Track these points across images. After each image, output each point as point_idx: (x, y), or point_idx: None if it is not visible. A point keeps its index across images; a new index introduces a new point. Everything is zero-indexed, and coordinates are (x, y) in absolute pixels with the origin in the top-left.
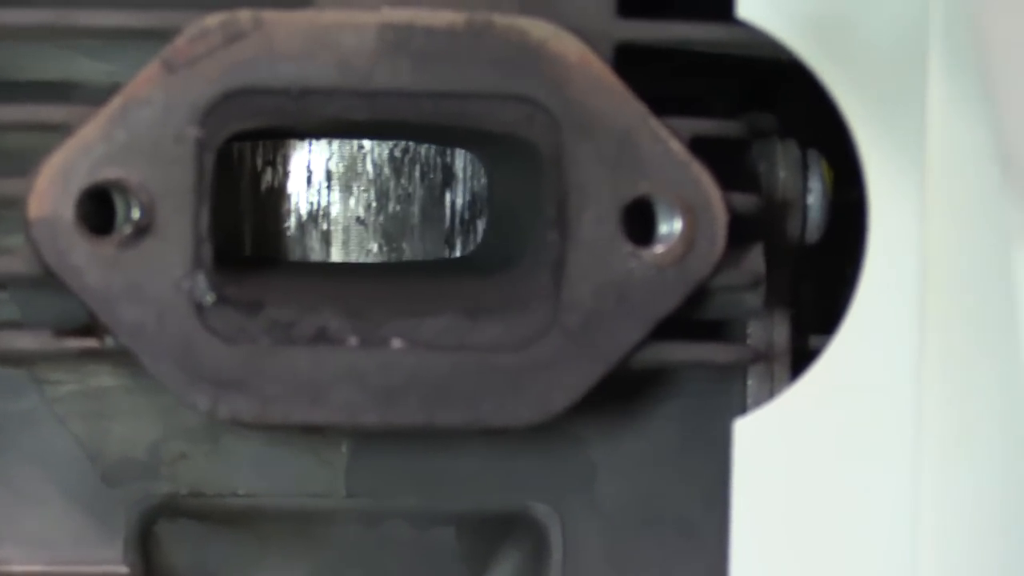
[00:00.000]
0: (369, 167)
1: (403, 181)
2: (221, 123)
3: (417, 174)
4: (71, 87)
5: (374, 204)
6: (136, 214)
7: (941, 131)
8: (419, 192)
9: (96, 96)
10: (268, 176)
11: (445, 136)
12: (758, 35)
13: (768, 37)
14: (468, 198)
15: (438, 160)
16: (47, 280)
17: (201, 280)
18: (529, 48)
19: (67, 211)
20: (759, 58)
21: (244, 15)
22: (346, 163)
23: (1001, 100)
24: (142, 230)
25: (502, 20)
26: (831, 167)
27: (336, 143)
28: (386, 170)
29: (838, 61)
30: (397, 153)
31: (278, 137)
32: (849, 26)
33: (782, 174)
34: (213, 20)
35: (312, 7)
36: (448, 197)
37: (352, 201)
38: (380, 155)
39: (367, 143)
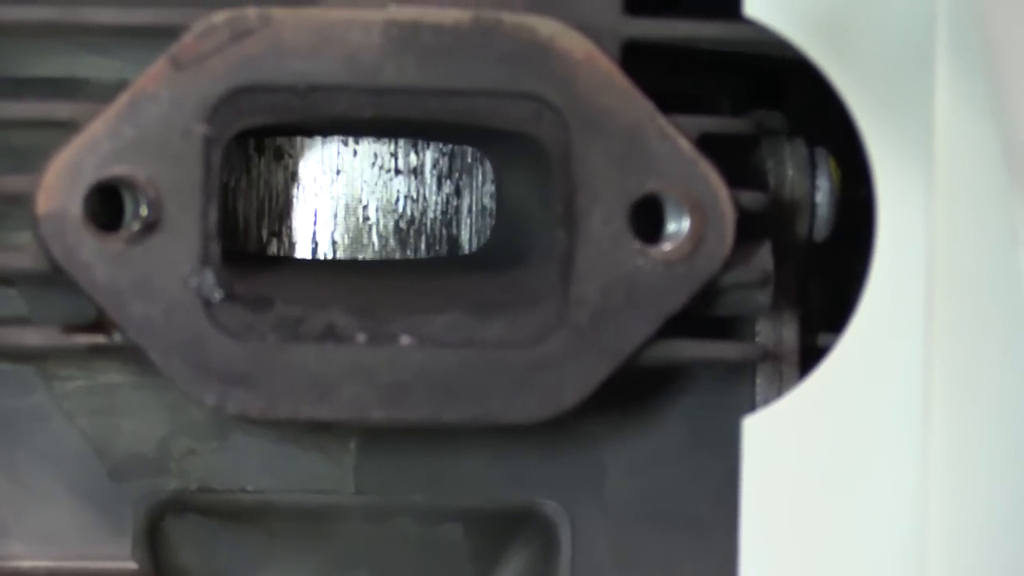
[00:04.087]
0: (375, 239)
1: (408, 253)
2: (228, 120)
3: (423, 245)
4: (78, 84)
5: None
6: (144, 210)
7: (948, 129)
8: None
9: (103, 93)
10: (273, 247)
11: (453, 134)
12: (765, 33)
13: (775, 35)
14: None
15: (443, 232)
16: (55, 276)
17: (209, 276)
18: (537, 46)
19: (75, 207)
20: (766, 56)
21: (251, 12)
22: (352, 234)
23: (1007, 99)
24: (150, 226)
25: (510, 18)
26: (839, 165)
27: (342, 209)
28: (391, 241)
29: (845, 59)
30: (403, 224)
31: (284, 134)
32: (856, 24)
33: (790, 172)
34: (220, 17)
35: (319, 4)
36: None
37: None
38: (386, 226)
39: (372, 213)
